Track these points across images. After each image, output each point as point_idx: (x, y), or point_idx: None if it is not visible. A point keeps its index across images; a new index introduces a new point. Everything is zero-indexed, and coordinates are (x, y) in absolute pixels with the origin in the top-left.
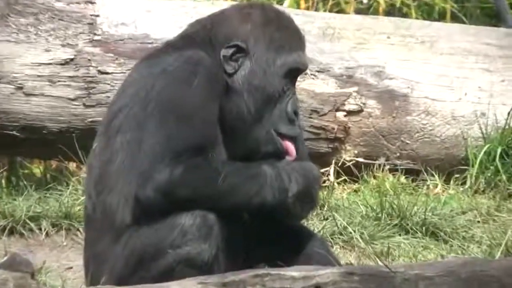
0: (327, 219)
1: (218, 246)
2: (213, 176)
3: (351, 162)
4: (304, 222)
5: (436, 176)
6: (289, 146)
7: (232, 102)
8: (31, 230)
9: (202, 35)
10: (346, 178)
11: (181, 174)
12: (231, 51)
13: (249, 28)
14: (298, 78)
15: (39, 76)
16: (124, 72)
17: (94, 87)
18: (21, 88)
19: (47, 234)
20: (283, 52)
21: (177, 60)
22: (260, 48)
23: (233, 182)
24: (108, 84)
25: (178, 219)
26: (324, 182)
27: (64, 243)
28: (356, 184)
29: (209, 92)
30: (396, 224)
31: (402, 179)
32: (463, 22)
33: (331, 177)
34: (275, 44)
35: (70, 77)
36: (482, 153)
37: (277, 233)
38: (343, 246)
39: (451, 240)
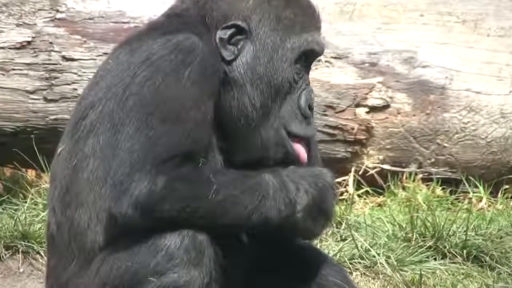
0: (345, 239)
1: (211, 274)
2: (204, 189)
3: (374, 170)
4: (317, 244)
5: (481, 187)
6: (300, 149)
7: (232, 95)
8: None
9: (194, 13)
10: (368, 189)
11: (165, 185)
12: (229, 32)
13: (251, 4)
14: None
15: None
16: (95, 59)
17: (57, 77)
18: None
19: None
20: (294, 32)
21: (164, 47)
22: (265, 28)
23: (228, 195)
24: (75, 73)
25: (162, 240)
26: (342, 194)
27: (21, 270)
28: (381, 196)
29: (203, 87)
30: (430, 247)
31: (438, 190)
32: None
33: (350, 188)
34: (283, 23)
35: (27, 64)
36: None
37: (283, 257)
38: (364, 273)
39: (498, 266)
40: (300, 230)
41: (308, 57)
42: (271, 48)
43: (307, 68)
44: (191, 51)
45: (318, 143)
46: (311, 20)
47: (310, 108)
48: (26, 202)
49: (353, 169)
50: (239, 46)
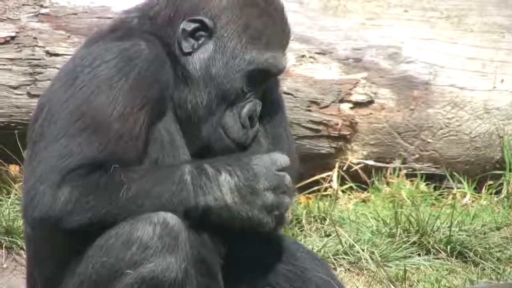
0: (329, 235)
1: (187, 258)
2: (114, 190)
3: (359, 166)
4: (301, 240)
5: (465, 183)
6: None
7: (188, 90)
8: None
9: (160, 10)
10: (352, 185)
11: (69, 199)
12: (193, 26)
13: (224, 4)
14: (294, 62)
15: None
16: None
17: (41, 72)
18: None
19: None
20: (258, 45)
21: (108, 53)
22: (231, 31)
23: (140, 190)
24: (59, 68)
25: (134, 231)
26: (326, 189)
27: (4, 265)
28: (365, 192)
29: (139, 97)
30: (414, 242)
31: (422, 186)
32: None
33: (334, 184)
34: (250, 32)
35: (11, 59)
36: None
37: (267, 253)
38: (349, 269)
39: (482, 262)
40: (237, 217)
41: (262, 75)
42: (230, 53)
43: (261, 84)
44: (132, 59)
45: (302, 139)
46: (279, 38)
47: (252, 119)
48: (9, 198)
49: (337, 165)
50: (199, 42)
